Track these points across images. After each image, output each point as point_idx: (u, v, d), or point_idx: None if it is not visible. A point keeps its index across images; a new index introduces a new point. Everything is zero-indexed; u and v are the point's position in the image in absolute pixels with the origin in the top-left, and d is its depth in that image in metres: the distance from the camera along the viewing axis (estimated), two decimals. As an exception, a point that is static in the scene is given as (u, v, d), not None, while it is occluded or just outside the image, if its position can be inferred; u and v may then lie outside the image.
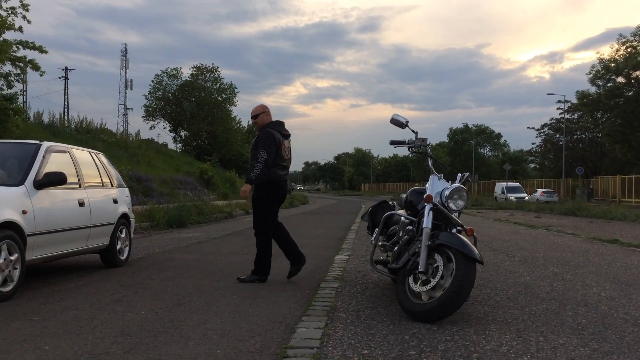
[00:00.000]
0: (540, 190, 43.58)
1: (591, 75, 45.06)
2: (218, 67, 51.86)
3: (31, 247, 5.12)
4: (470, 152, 72.26)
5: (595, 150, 56.26)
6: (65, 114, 41.62)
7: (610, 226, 15.76)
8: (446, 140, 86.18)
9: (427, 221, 4.38)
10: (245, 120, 54.30)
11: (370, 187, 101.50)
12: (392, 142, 5.06)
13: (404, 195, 5.36)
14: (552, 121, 59.12)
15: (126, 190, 7.64)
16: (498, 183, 48.26)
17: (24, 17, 17.26)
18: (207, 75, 51.64)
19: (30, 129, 19.93)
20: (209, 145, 48.69)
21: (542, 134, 61.33)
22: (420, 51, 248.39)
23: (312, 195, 64.30)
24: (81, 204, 6.04)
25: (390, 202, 5.92)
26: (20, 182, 5.22)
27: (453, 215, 4.49)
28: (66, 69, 49.44)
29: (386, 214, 5.19)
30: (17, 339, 3.54)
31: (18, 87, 19.50)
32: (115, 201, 6.96)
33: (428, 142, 4.98)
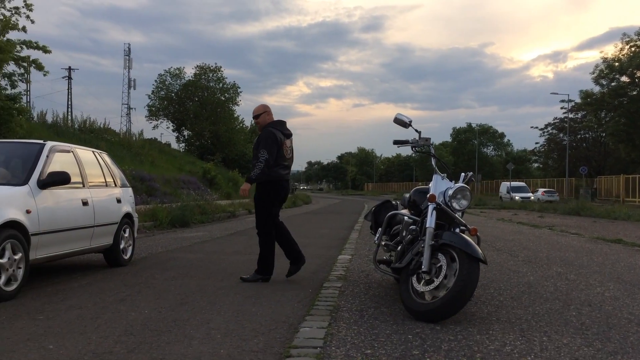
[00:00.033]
0: (541, 190, 43.49)
1: (595, 75, 44.91)
2: (221, 67, 51.98)
3: (35, 246, 5.13)
4: (473, 152, 72.06)
5: (599, 150, 56.09)
6: (69, 113, 41.70)
7: (614, 226, 15.72)
8: (449, 139, 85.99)
9: (430, 221, 4.37)
10: (248, 120, 54.27)
11: (373, 186, 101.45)
12: (396, 142, 5.06)
13: (408, 195, 5.35)
14: (556, 121, 58.96)
15: (129, 189, 7.65)
16: (503, 182, 48.13)
17: (28, 17, 17.36)
18: (210, 74, 51.71)
19: (33, 128, 19.98)
20: (212, 144, 48.76)
21: (545, 134, 61.20)
22: (423, 50, 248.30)
23: (315, 195, 64.29)
24: (85, 203, 6.05)
25: (394, 202, 5.92)
26: (24, 182, 5.23)
27: (456, 215, 4.48)
28: (70, 69, 49.50)
29: (389, 213, 5.19)
30: (21, 338, 3.55)
31: (22, 86, 19.63)
32: (118, 201, 6.97)
33: (431, 142, 4.98)
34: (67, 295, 4.98)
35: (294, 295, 5.11)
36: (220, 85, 51.89)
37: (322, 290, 5.37)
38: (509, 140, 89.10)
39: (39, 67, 17.54)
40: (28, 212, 5.03)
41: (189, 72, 58.22)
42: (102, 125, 29.75)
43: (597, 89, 46.33)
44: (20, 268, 4.86)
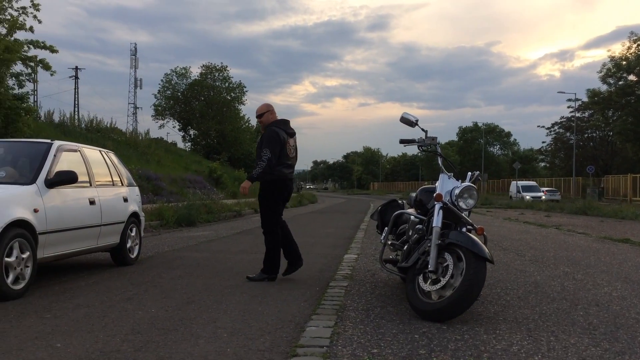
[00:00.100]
0: (543, 189, 43.30)
1: (602, 74, 44.71)
2: (227, 66, 52.13)
3: (42, 245, 5.16)
4: (479, 151, 71.88)
5: (606, 149, 55.80)
6: (76, 113, 41.86)
7: (622, 225, 15.63)
8: (455, 139, 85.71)
9: (437, 220, 4.36)
10: (254, 119, 54.23)
11: (379, 186, 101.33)
12: (402, 141, 5.05)
13: (414, 194, 5.34)
14: (563, 120, 58.73)
15: (136, 189, 7.68)
16: (513, 182, 47.91)
17: (35, 17, 17.43)
18: (216, 74, 51.86)
19: (41, 128, 20.09)
20: (218, 144, 48.88)
21: (552, 133, 60.94)
22: (429, 49, 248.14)
23: (320, 194, 64.28)
24: (92, 202, 6.08)
25: (400, 201, 5.91)
26: (32, 181, 5.26)
27: (463, 214, 4.47)
28: (76, 69, 49.71)
29: (396, 212, 5.19)
30: (29, 336, 3.57)
31: (29, 86, 19.70)
32: (125, 200, 7.00)
33: (438, 141, 4.97)
34: (74, 294, 5.00)
35: (300, 294, 5.11)
36: (226, 84, 52.03)
37: (328, 289, 5.37)
38: (515, 140, 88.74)
39: (46, 67, 17.60)
40: (35, 211, 5.06)
41: (195, 71, 58.57)
42: (108, 125, 29.93)
43: (604, 87, 46.16)
44: (27, 267, 4.89)
